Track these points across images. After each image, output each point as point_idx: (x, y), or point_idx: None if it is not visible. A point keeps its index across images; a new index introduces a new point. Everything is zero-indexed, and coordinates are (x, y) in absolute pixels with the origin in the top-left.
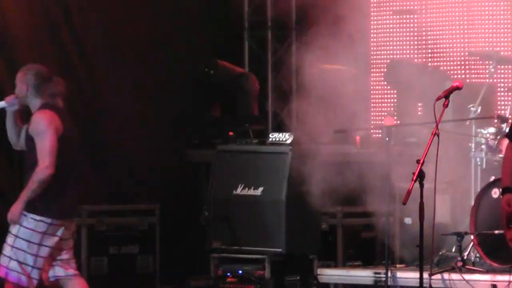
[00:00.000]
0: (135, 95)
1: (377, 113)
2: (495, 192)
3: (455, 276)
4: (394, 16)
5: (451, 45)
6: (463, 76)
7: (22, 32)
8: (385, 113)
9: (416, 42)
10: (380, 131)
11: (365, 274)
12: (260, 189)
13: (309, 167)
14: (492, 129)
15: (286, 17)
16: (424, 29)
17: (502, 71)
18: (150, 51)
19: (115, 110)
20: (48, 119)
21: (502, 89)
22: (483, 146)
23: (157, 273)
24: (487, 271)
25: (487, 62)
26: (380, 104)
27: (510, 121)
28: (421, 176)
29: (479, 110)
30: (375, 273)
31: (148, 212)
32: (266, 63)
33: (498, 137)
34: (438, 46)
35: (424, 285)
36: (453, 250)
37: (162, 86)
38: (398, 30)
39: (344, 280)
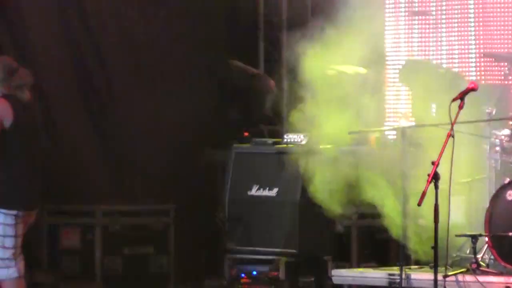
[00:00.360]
0: (151, 95)
1: (392, 114)
2: (510, 194)
3: (469, 278)
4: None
5: (466, 46)
6: (478, 77)
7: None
8: (400, 114)
9: (431, 43)
10: (395, 132)
11: (379, 276)
12: (275, 190)
13: (324, 168)
14: (507, 131)
15: (301, 18)
16: (439, 29)
17: None
18: (165, 51)
19: (131, 110)
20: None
21: None
22: (497, 148)
23: (171, 273)
24: (501, 273)
25: (502, 64)
26: (395, 105)
27: None
28: (436, 178)
29: (494, 112)
30: (389, 274)
31: (162, 213)
32: (281, 63)
33: None
34: (453, 47)
35: (439, 286)
36: (468, 252)
37: (179, 86)
38: (413, 30)
39: (358, 282)
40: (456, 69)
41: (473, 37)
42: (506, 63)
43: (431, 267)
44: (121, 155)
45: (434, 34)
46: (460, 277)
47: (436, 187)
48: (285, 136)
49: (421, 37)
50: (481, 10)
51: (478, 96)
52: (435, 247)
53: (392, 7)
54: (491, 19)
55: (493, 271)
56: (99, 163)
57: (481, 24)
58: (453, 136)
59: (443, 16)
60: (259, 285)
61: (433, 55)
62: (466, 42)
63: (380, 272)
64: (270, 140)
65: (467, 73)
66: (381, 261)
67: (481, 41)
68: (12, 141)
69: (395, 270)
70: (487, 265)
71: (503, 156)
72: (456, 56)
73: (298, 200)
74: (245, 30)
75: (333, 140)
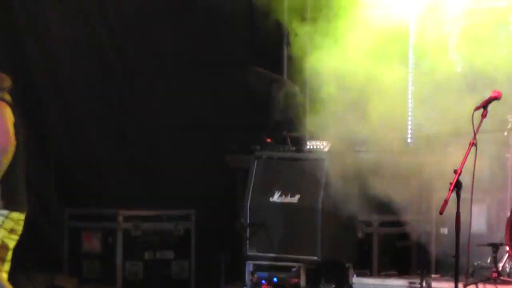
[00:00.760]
0: (174, 99)
1: (415, 120)
2: None
3: (489, 287)
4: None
5: None
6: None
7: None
8: (423, 121)
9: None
10: (417, 139)
11: (400, 284)
12: (297, 196)
13: (346, 174)
14: None
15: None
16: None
17: None
18: (189, 56)
19: (153, 114)
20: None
21: None
22: None
23: (192, 279)
24: None
25: None
26: (418, 110)
27: None
28: (458, 186)
29: None
30: (410, 282)
31: (184, 218)
32: (304, 69)
33: None
34: None
35: None
36: (489, 261)
37: (201, 91)
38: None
39: None
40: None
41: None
42: None
43: (451, 276)
44: (143, 160)
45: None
46: (480, 286)
47: (458, 195)
48: (307, 143)
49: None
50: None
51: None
52: (456, 256)
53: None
54: None
55: None
56: (121, 168)
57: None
58: (475, 145)
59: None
60: None
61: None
62: None
63: (401, 280)
64: (292, 146)
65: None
66: (402, 269)
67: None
68: None
69: (415, 278)
70: (508, 274)
71: None
72: None
73: (319, 207)
74: (268, 34)
75: (355, 146)
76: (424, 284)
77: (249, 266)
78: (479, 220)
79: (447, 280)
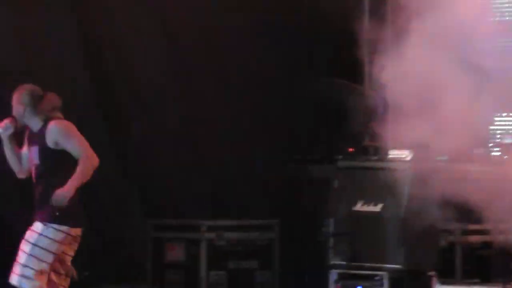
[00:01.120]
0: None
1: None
2: None
3: None
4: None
5: None
6: None
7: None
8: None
9: None
10: (499, 148)
11: None
12: (380, 205)
13: (428, 184)
14: None
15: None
16: None
17: None
18: (264, 67)
19: (234, 127)
20: (67, 124)
21: None
22: None
23: None
24: None
25: None
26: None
27: None
28: None
29: None
30: None
31: (267, 227)
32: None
33: None
34: None
35: None
36: None
37: (282, 102)
38: None
39: None
40: None
41: None
42: None
43: None
44: (227, 170)
45: None
46: None
47: None
48: (389, 152)
49: None
50: None
51: None
52: None
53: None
54: None
55: None
56: (205, 177)
57: None
58: None
59: None
60: None
61: None
62: None
63: None
64: (374, 156)
65: None
66: (485, 278)
67: None
68: (70, 159)
69: (498, 286)
70: None
71: None
72: None
73: (402, 216)
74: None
75: (436, 155)
76: None
77: (333, 275)
78: None
79: None
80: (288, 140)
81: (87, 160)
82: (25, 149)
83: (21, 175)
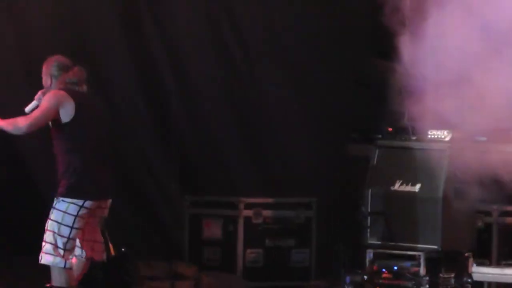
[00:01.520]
0: (295, 90)
1: None
2: None
3: None
4: None
5: None
6: None
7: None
8: None
9: None
10: None
11: None
12: (418, 185)
13: (466, 165)
14: None
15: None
16: None
17: None
18: (311, 47)
19: (275, 104)
20: (54, 94)
21: None
22: None
23: (312, 267)
24: None
25: None
26: None
27: None
28: None
29: None
30: None
31: (305, 206)
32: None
33: None
34: None
35: None
36: None
37: (322, 81)
38: None
39: (499, 279)
40: None
41: None
42: None
43: None
44: (265, 148)
45: None
46: None
47: None
48: (429, 132)
49: None
50: None
51: None
52: None
53: None
54: None
55: None
56: (243, 155)
57: None
58: None
59: None
60: (400, 280)
61: None
62: None
63: None
64: (413, 136)
65: None
66: None
67: None
68: (76, 131)
69: None
70: None
71: None
72: None
73: (440, 196)
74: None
75: (475, 136)
76: None
77: (370, 254)
78: None
79: None
80: (326, 119)
81: (26, 122)
82: None
83: None
